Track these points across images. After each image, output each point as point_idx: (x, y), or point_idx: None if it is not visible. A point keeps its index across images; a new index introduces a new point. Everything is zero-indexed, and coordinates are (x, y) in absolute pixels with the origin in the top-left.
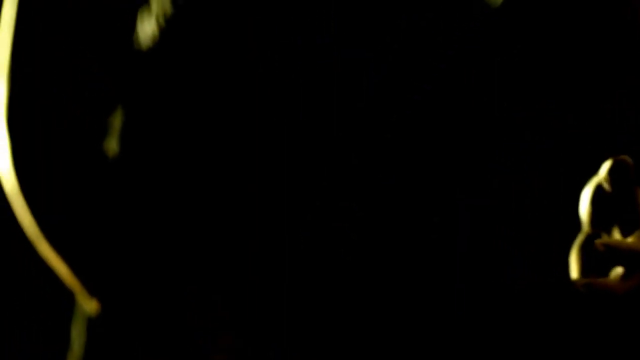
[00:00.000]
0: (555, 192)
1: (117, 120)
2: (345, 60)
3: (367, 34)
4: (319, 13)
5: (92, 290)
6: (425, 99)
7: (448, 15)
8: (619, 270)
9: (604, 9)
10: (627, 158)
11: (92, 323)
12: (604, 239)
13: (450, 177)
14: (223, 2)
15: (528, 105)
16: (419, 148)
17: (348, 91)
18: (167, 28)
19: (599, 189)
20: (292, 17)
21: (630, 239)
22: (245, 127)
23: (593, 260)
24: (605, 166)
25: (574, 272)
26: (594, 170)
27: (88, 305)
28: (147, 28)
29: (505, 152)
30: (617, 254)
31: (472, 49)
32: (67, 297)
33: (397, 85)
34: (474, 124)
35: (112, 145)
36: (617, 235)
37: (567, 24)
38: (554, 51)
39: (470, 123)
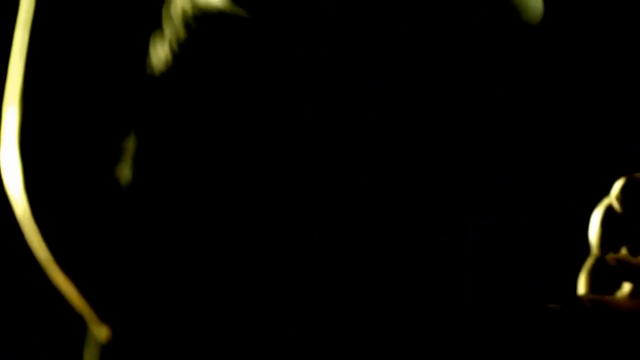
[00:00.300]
0: (566, 206)
1: (130, 146)
2: (348, 75)
3: (369, 46)
4: (323, 30)
5: (104, 316)
6: (431, 112)
7: (451, 23)
8: (626, 288)
9: (613, 18)
10: None
11: (104, 350)
12: (615, 255)
13: (458, 194)
14: (235, 27)
15: (537, 117)
16: (426, 165)
17: (353, 109)
18: (180, 53)
19: (609, 210)
20: (300, 38)
21: None
22: (257, 151)
23: (602, 282)
24: (617, 185)
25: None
26: (605, 183)
27: (99, 331)
28: (160, 53)
29: (514, 165)
30: (626, 271)
31: (476, 59)
32: (79, 324)
33: (401, 99)
34: (482, 139)
35: (125, 171)
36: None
37: (577, 29)
38: (562, 58)
39: (478, 138)
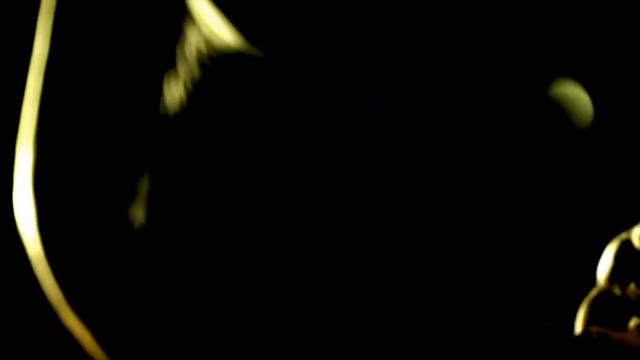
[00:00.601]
0: (575, 246)
1: (143, 187)
2: (353, 102)
3: (371, 56)
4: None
5: (116, 359)
6: (440, 153)
7: (452, 44)
8: (634, 323)
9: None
10: None
11: None
12: (632, 288)
13: (468, 234)
14: (250, 66)
15: (545, 156)
16: (436, 204)
17: (360, 138)
18: (194, 92)
19: (623, 245)
20: (311, 76)
21: None
22: (271, 191)
23: (604, 314)
24: None
25: (580, 325)
26: (613, 224)
27: None
28: (174, 92)
29: (523, 205)
30: (634, 308)
31: (480, 78)
32: None
33: (404, 129)
34: (491, 179)
35: (138, 213)
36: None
37: (586, 69)
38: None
39: (487, 178)
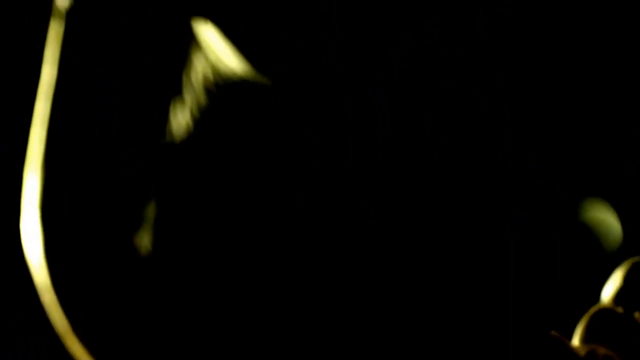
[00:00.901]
0: (574, 247)
1: (150, 214)
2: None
3: (371, 56)
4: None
5: None
6: (440, 156)
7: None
8: None
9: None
10: None
11: None
12: (637, 315)
13: (468, 235)
14: (255, 93)
15: (547, 160)
16: (437, 204)
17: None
18: (200, 119)
19: (634, 268)
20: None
21: None
22: (276, 217)
23: (602, 333)
24: None
25: (577, 339)
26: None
27: None
28: (180, 119)
29: (523, 205)
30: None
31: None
32: None
33: (404, 129)
34: (491, 179)
35: (145, 240)
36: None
37: (589, 74)
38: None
39: (487, 178)
